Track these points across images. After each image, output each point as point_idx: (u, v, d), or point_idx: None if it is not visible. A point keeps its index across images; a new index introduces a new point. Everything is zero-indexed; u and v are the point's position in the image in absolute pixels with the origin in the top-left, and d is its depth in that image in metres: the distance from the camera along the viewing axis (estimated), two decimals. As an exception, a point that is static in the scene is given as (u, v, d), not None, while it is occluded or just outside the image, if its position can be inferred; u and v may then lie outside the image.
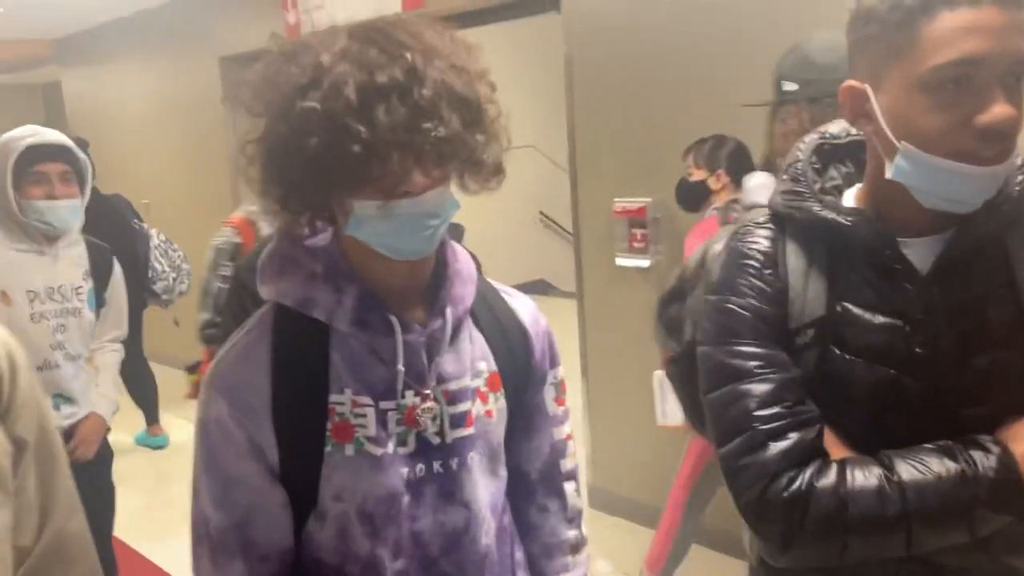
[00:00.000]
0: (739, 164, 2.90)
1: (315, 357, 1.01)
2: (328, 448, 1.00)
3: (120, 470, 2.58)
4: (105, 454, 2.36)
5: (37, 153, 2.07)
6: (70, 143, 2.15)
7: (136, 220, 4.55)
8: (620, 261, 3.33)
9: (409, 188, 0.93)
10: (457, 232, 2.12)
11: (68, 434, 2.22)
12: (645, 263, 3.26)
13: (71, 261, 2.23)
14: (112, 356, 2.42)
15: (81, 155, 2.17)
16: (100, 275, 2.31)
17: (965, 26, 0.85)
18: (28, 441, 0.95)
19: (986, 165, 0.88)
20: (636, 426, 3.45)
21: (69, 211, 2.13)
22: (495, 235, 7.22)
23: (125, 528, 2.60)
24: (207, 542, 1.01)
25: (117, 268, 2.40)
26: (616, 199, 3.30)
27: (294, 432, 0.99)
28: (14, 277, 2.10)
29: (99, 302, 2.30)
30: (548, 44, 4.10)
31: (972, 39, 0.85)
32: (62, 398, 2.20)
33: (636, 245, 3.28)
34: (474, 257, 1.17)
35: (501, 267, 7.70)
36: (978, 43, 0.85)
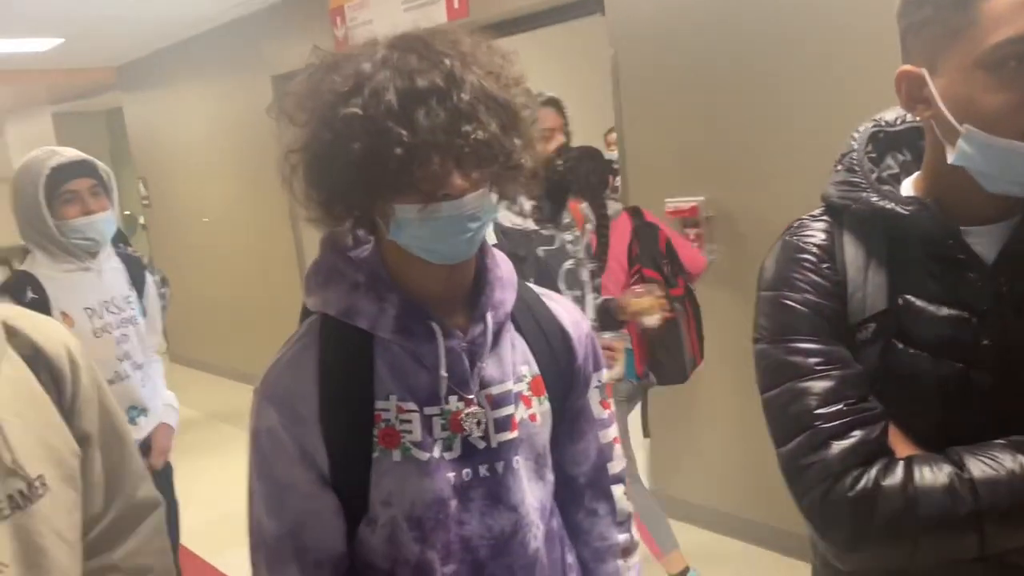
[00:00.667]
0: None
1: (360, 365, 1.03)
2: (376, 454, 1.02)
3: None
4: (167, 467, 2.41)
5: (63, 173, 2.10)
6: (89, 157, 2.18)
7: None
8: (674, 261, 3.29)
9: (449, 190, 0.94)
10: (527, 238, 2.21)
11: (144, 445, 2.28)
12: (700, 263, 3.21)
13: (114, 273, 2.28)
14: (159, 366, 2.48)
15: (102, 166, 2.20)
16: (138, 284, 2.36)
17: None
18: (92, 433, 0.99)
19: None
20: (697, 429, 3.41)
21: (105, 223, 2.17)
22: (548, 240, 7.21)
23: (189, 537, 2.66)
24: (263, 549, 1.04)
25: (149, 277, 2.45)
26: (667, 199, 3.26)
27: (342, 439, 1.01)
28: (70, 297, 2.15)
29: (142, 311, 2.36)
30: (594, 47, 4.08)
31: None
32: (136, 410, 2.26)
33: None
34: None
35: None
36: None
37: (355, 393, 1.02)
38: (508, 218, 2.23)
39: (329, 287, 1.06)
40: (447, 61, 0.93)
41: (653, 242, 2.85)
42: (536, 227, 2.15)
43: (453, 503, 1.03)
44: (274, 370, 1.05)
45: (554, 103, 2.29)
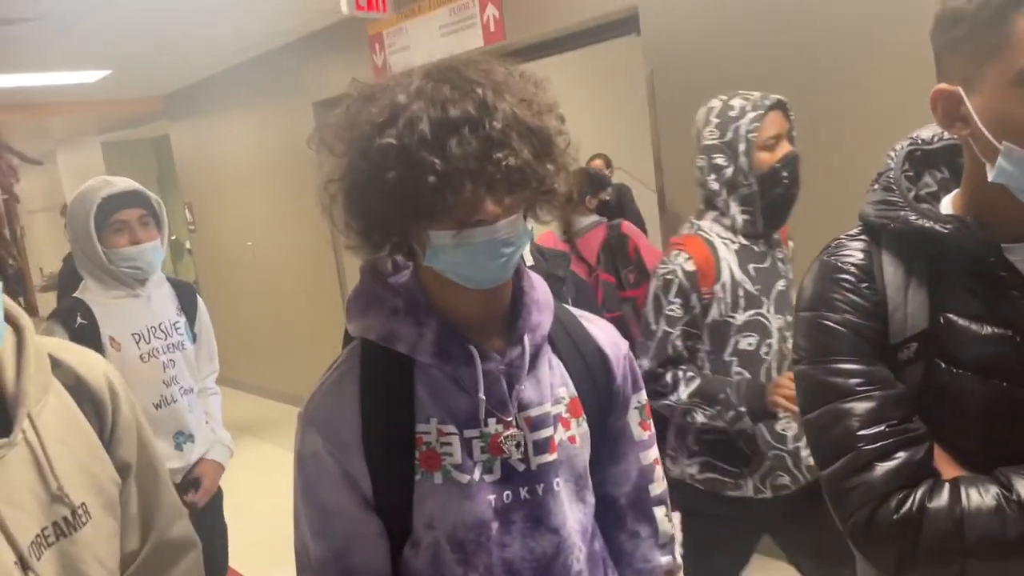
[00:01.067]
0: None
1: (401, 389, 1.05)
2: (418, 477, 1.03)
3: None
4: (216, 494, 2.44)
5: (113, 203, 2.16)
6: (141, 188, 2.23)
7: None
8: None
9: (482, 216, 0.96)
10: (565, 259, 2.11)
11: (188, 474, 2.32)
12: (740, 280, 3.19)
13: (163, 299, 2.32)
14: (216, 400, 2.52)
15: (153, 197, 2.25)
16: (189, 310, 2.40)
17: None
18: (131, 463, 1.01)
19: None
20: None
21: (153, 252, 2.22)
22: (586, 259, 7.21)
23: (235, 558, 2.69)
24: (309, 572, 1.06)
25: (202, 303, 2.48)
26: (706, 217, 3.24)
27: (385, 462, 1.03)
28: (118, 323, 2.20)
29: (192, 337, 2.40)
30: (630, 66, 4.09)
31: None
32: (183, 435, 2.30)
33: (729, 262, 3.21)
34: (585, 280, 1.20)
35: (593, 290, 7.54)
36: None
37: (396, 417, 1.04)
38: (715, 231, 1.99)
39: (369, 313, 1.08)
40: (479, 90, 0.95)
41: (622, 250, 3.28)
42: (746, 243, 1.96)
43: (495, 525, 1.04)
44: (317, 395, 1.07)
45: (780, 106, 2.07)
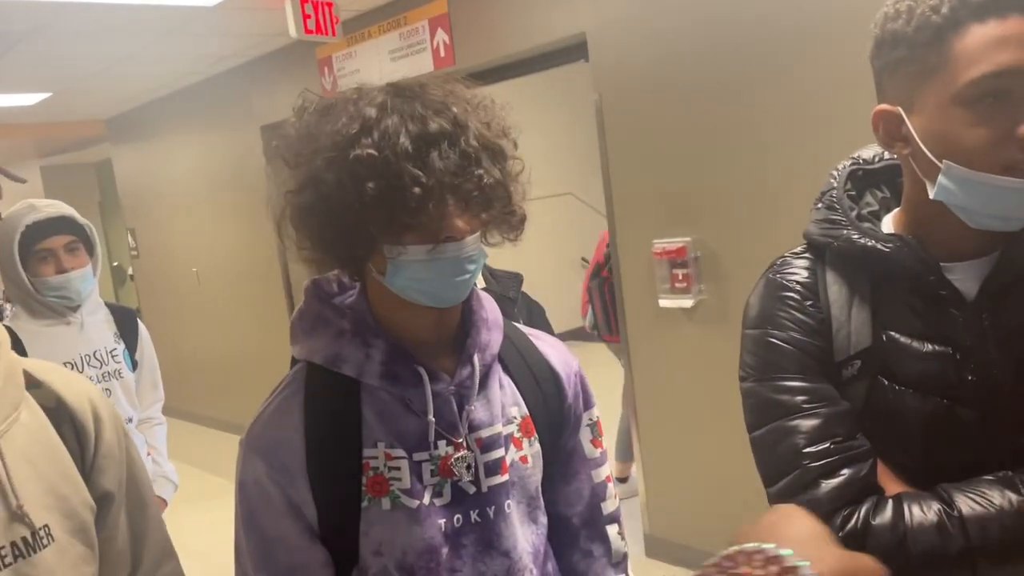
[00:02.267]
0: None
1: (347, 413, 1.02)
2: (364, 503, 1.00)
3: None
4: None
5: (39, 229, 2.08)
6: (70, 212, 2.16)
7: None
8: (663, 303, 3.30)
9: (452, 233, 0.96)
10: (516, 280, 2.11)
11: None
12: (688, 303, 3.23)
13: (97, 325, 2.25)
14: (160, 431, 2.43)
15: (83, 221, 2.18)
16: (128, 337, 2.33)
17: (997, 37, 0.84)
18: (114, 493, 0.97)
19: None
20: (692, 470, 3.38)
21: (81, 281, 2.15)
22: (537, 283, 7.23)
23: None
24: None
25: (143, 329, 2.41)
26: (655, 240, 3.29)
27: (330, 489, 1.00)
28: (47, 352, 2.10)
29: (132, 364, 2.33)
30: (579, 92, 4.14)
31: (1006, 50, 0.84)
32: None
33: (678, 285, 3.24)
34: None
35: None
36: (1013, 53, 0.83)
37: (342, 442, 1.01)
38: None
39: (315, 335, 1.05)
40: (453, 108, 0.96)
41: None
42: None
43: (444, 550, 1.02)
44: (259, 420, 1.04)
45: None
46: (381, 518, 1.00)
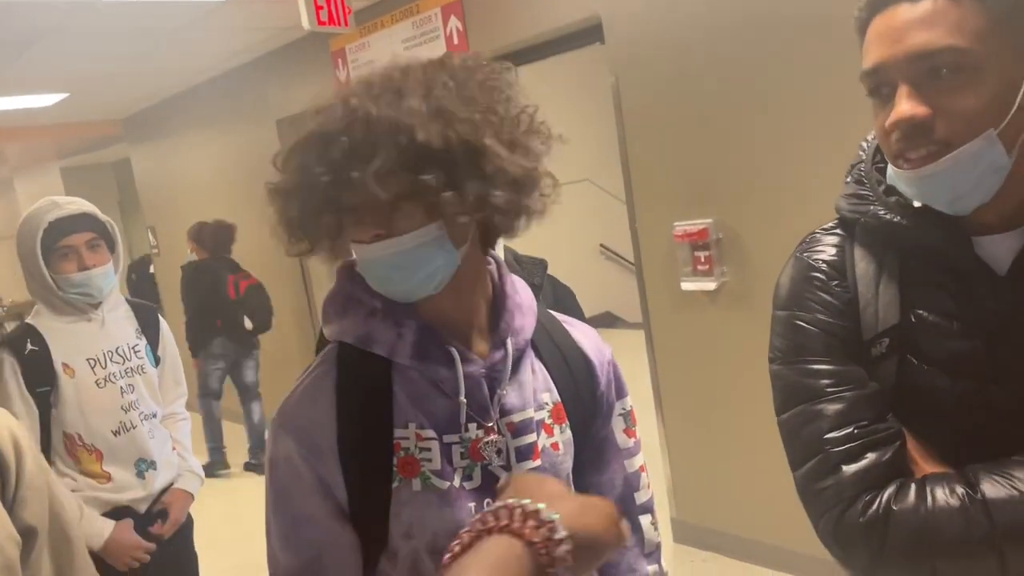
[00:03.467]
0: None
1: (378, 392, 1.01)
2: (395, 483, 0.99)
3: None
4: (186, 523, 2.36)
5: (61, 227, 2.09)
6: (92, 209, 2.16)
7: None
8: (685, 286, 3.27)
9: (361, 237, 0.97)
10: (541, 266, 2.09)
11: (154, 503, 2.24)
12: (711, 285, 3.19)
13: (119, 322, 2.25)
14: (184, 426, 2.43)
15: (104, 219, 2.18)
16: (150, 333, 2.32)
17: (878, 32, 0.87)
18: (38, 529, 0.94)
19: (916, 167, 0.86)
20: (717, 454, 3.36)
21: (102, 278, 2.14)
22: (557, 271, 7.20)
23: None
24: None
25: (164, 324, 2.41)
26: (676, 223, 3.25)
27: (361, 468, 0.99)
28: (71, 348, 2.12)
29: (154, 360, 2.33)
30: (595, 77, 4.10)
31: (880, 45, 0.86)
32: (144, 463, 2.23)
33: (700, 268, 3.21)
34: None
35: (565, 302, 7.53)
36: (882, 48, 0.86)
37: (373, 421, 1.00)
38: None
39: (346, 315, 1.05)
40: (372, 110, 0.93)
41: None
42: None
43: None
44: (291, 399, 1.04)
45: None
46: (411, 499, 0.99)
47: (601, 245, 8.05)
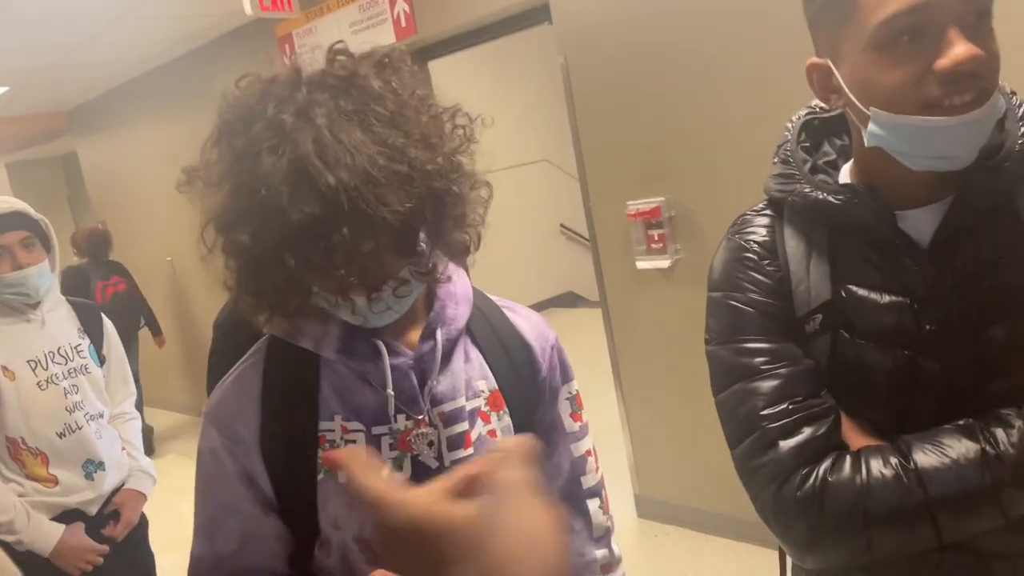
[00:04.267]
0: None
1: (304, 386, 1.01)
2: (320, 476, 0.99)
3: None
4: (140, 523, 2.33)
5: None
6: (23, 207, 2.11)
7: None
8: (640, 264, 3.28)
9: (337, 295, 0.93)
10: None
11: (105, 504, 2.21)
12: (665, 263, 3.21)
13: (60, 321, 2.20)
14: (134, 425, 2.38)
15: (37, 216, 2.13)
16: (93, 332, 2.28)
17: None
18: None
19: (959, 114, 0.82)
20: (678, 429, 3.39)
21: (39, 276, 2.10)
22: (518, 252, 7.21)
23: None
24: (203, 569, 1.00)
25: (108, 323, 2.36)
26: (629, 201, 3.25)
27: (284, 461, 0.99)
28: (9, 350, 2.07)
29: (99, 360, 2.28)
30: (546, 56, 4.08)
31: None
32: (92, 464, 2.19)
33: (654, 246, 3.22)
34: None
35: (527, 283, 7.66)
36: None
37: (298, 414, 1.00)
38: None
39: None
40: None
41: None
42: None
43: None
44: (218, 391, 1.04)
45: None
46: (338, 491, 0.99)
47: (561, 225, 8.06)
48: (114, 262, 5.65)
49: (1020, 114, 0.91)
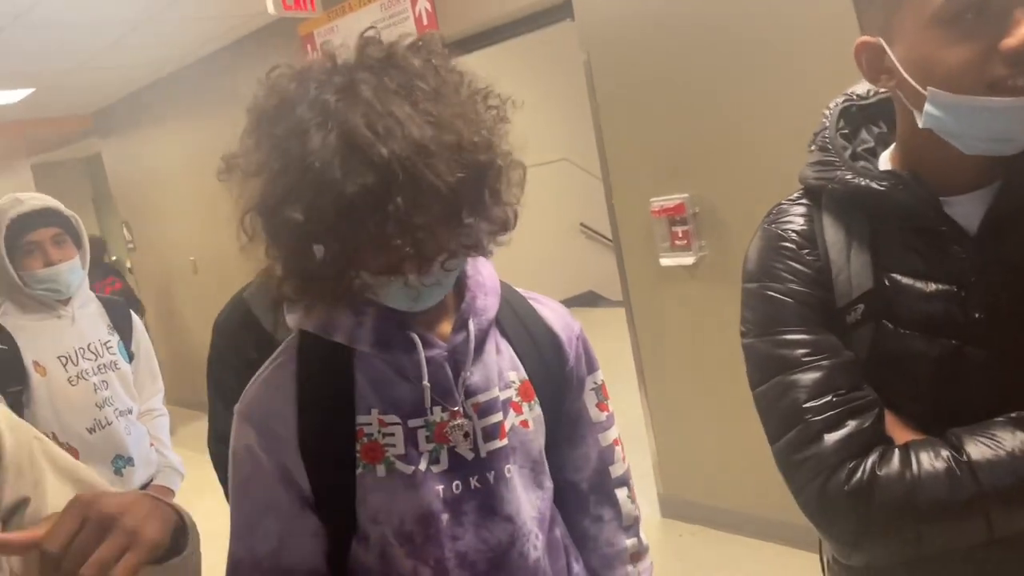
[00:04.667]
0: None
1: (339, 380, 1.01)
2: (359, 470, 0.99)
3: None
4: None
5: (24, 222, 2.06)
6: (55, 204, 2.13)
7: None
8: (664, 261, 3.26)
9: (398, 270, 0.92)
10: None
11: None
12: (690, 260, 3.18)
13: (90, 318, 2.22)
14: (162, 421, 2.40)
15: (68, 213, 2.15)
16: (122, 328, 2.29)
17: None
18: (30, 497, 0.93)
19: (1022, 94, 0.79)
20: (702, 428, 3.37)
21: (70, 272, 2.12)
22: (538, 252, 7.20)
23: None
24: (243, 570, 1.00)
25: (137, 320, 2.38)
26: (653, 198, 3.23)
27: (323, 456, 0.99)
28: (41, 346, 2.09)
29: (128, 356, 2.30)
30: (568, 54, 4.06)
31: None
32: (122, 460, 2.21)
33: (678, 243, 3.20)
34: None
35: (547, 283, 7.67)
36: None
37: (335, 409, 1.00)
38: None
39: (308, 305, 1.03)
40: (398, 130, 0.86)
41: None
42: None
43: (444, 517, 1.00)
44: (251, 388, 1.03)
45: None
46: (377, 485, 0.99)
47: (581, 224, 8.04)
48: (108, 264, 5.67)
49: None
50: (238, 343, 1.62)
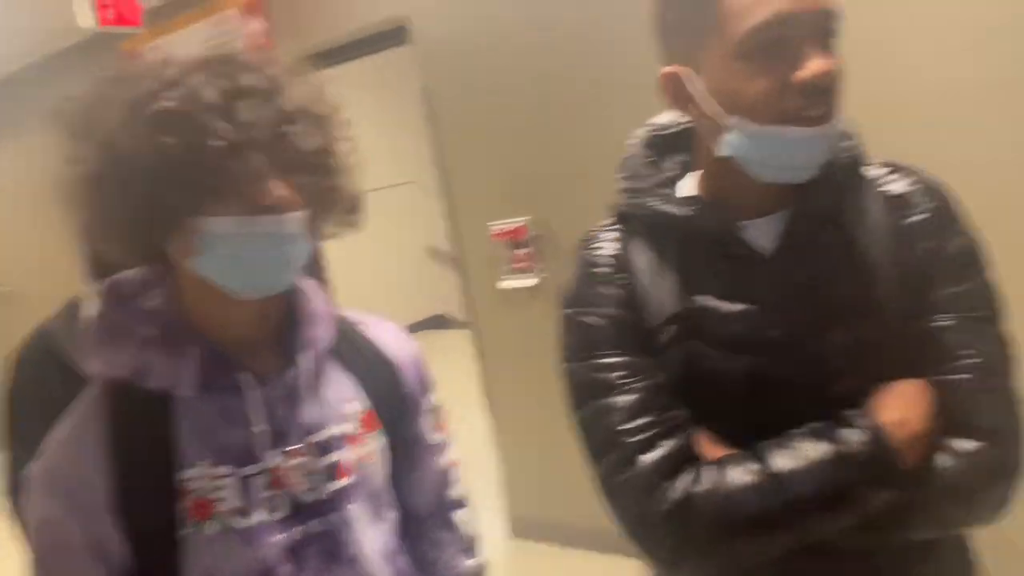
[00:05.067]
0: None
1: (157, 433, 0.92)
2: (186, 530, 0.90)
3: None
4: None
5: None
6: None
7: None
8: (506, 284, 3.29)
9: (270, 202, 0.87)
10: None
11: None
12: (531, 282, 3.23)
13: None
14: None
15: None
16: None
17: None
18: None
19: (813, 125, 0.85)
20: (548, 447, 3.40)
21: None
22: (385, 276, 7.12)
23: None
24: None
25: None
26: (493, 222, 3.26)
27: (143, 521, 0.89)
28: None
29: None
30: (408, 78, 4.05)
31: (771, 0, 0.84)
32: None
33: (519, 266, 3.24)
34: None
35: (395, 306, 7.55)
36: (782, 2, 0.83)
37: (153, 467, 0.90)
38: None
39: (115, 346, 0.94)
40: (269, 69, 0.90)
41: None
42: None
43: (285, 569, 0.94)
44: (51, 451, 0.92)
45: None
46: (206, 545, 0.91)
47: (428, 247, 8.02)
48: None
49: (841, 131, 0.95)
50: (40, 378, 1.46)
